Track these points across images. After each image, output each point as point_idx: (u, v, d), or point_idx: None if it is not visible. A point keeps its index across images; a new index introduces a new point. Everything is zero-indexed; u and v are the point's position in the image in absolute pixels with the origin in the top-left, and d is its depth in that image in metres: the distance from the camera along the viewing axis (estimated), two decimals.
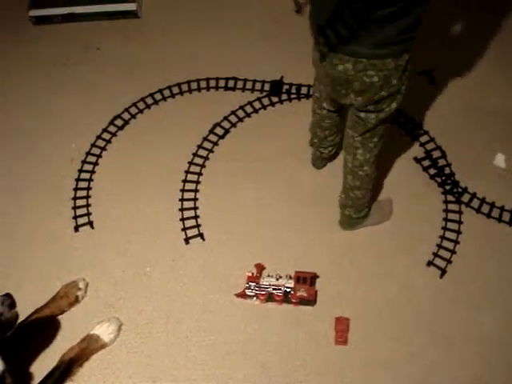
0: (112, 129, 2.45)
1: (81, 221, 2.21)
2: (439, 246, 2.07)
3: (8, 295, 1.71)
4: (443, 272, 2.02)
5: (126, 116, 2.49)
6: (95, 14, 2.84)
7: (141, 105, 2.52)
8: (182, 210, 2.21)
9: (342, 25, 1.45)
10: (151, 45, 2.74)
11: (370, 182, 1.94)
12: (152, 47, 2.73)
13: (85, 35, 2.81)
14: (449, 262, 2.04)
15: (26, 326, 1.86)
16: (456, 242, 2.08)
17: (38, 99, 2.60)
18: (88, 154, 2.38)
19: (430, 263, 2.04)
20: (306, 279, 1.96)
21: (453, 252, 2.06)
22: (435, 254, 2.06)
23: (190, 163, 2.32)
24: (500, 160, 2.27)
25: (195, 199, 2.24)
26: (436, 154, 2.30)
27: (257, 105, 2.47)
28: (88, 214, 2.22)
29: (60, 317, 1.98)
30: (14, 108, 2.58)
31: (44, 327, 1.94)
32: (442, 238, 2.09)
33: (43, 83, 2.65)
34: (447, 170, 2.25)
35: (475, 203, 2.17)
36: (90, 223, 2.20)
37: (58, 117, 2.53)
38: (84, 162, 2.36)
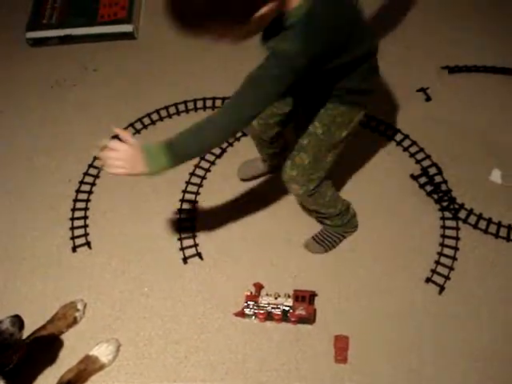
0: None
1: (78, 241, 2.20)
2: (437, 263, 2.07)
3: (17, 316, 1.70)
4: (442, 288, 2.02)
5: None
6: (92, 36, 2.86)
7: (138, 125, 2.53)
8: (180, 229, 2.21)
9: None
10: (148, 66, 2.76)
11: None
12: (148, 68, 2.75)
13: (82, 56, 2.83)
14: (447, 278, 2.04)
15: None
16: (454, 258, 2.08)
17: (36, 120, 2.61)
18: (85, 174, 2.39)
19: (428, 280, 2.04)
20: (305, 297, 1.95)
21: (451, 268, 2.06)
22: (433, 271, 2.05)
23: (188, 183, 2.33)
24: (496, 176, 2.28)
25: (193, 219, 2.24)
26: (432, 170, 2.30)
27: None
28: (86, 235, 2.22)
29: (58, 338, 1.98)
30: (12, 129, 2.60)
31: (42, 348, 1.93)
32: (440, 254, 2.09)
33: (41, 104, 2.67)
34: (444, 187, 2.25)
35: (472, 219, 2.17)
36: (88, 244, 2.20)
37: (56, 138, 2.54)
38: (81, 182, 2.37)
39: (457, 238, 2.12)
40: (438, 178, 2.27)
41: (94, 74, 2.76)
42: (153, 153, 1.44)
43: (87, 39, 2.87)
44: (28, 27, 2.90)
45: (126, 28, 2.84)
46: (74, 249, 2.19)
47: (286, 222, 2.20)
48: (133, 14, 2.88)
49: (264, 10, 1.31)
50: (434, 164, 2.31)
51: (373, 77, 1.71)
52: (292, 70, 1.38)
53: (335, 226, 2.07)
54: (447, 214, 2.18)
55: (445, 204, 2.20)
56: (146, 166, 1.43)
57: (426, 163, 2.32)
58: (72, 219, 2.26)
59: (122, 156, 1.43)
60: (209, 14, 1.27)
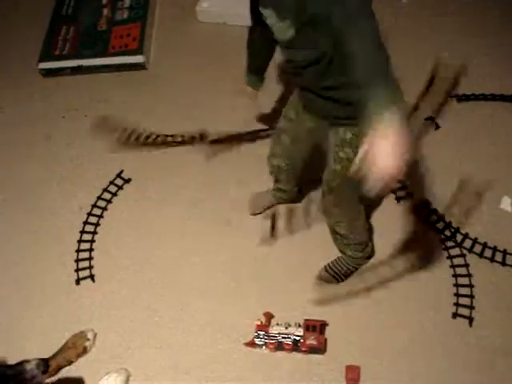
0: (118, 181, 2.47)
1: (82, 274, 2.21)
2: (457, 295, 2.04)
3: (44, 360, 1.77)
4: (471, 320, 1.98)
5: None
6: (104, 67, 2.91)
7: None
8: None
9: None
10: (158, 96, 2.79)
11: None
12: (159, 99, 2.77)
13: (93, 87, 2.87)
14: (471, 308, 2.00)
15: None
16: (471, 286, 2.05)
17: (48, 149, 2.64)
18: (93, 206, 2.40)
19: (455, 315, 2.00)
20: (316, 327, 1.94)
21: (472, 297, 2.03)
22: (456, 304, 2.02)
23: None
24: (506, 203, 2.28)
25: None
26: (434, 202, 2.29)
27: None
28: (90, 268, 2.22)
29: (67, 368, 1.96)
30: (24, 158, 2.63)
31: (52, 378, 1.93)
32: (457, 285, 2.07)
33: (53, 133, 2.70)
34: (446, 218, 2.24)
35: (477, 248, 2.15)
36: (92, 277, 2.20)
37: (66, 168, 2.56)
38: (89, 214, 2.38)
39: (467, 265, 2.10)
40: (441, 208, 2.26)
41: (105, 104, 2.79)
42: None
43: (99, 70, 2.92)
44: (40, 58, 2.96)
45: (137, 59, 2.88)
46: (78, 281, 2.19)
47: (296, 251, 2.20)
48: (144, 44, 2.92)
49: None
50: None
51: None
52: None
53: (354, 257, 2.04)
54: (451, 244, 2.17)
55: (449, 234, 2.19)
56: None
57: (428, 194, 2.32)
58: (77, 251, 2.27)
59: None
60: None
